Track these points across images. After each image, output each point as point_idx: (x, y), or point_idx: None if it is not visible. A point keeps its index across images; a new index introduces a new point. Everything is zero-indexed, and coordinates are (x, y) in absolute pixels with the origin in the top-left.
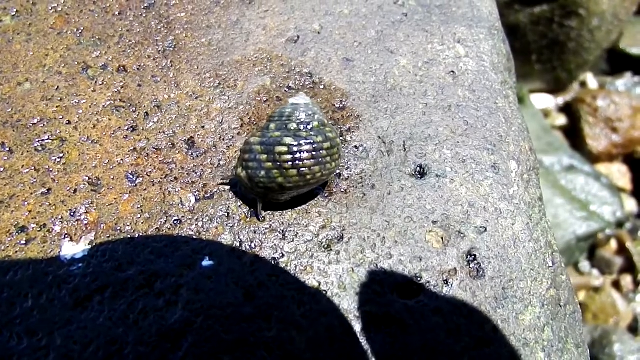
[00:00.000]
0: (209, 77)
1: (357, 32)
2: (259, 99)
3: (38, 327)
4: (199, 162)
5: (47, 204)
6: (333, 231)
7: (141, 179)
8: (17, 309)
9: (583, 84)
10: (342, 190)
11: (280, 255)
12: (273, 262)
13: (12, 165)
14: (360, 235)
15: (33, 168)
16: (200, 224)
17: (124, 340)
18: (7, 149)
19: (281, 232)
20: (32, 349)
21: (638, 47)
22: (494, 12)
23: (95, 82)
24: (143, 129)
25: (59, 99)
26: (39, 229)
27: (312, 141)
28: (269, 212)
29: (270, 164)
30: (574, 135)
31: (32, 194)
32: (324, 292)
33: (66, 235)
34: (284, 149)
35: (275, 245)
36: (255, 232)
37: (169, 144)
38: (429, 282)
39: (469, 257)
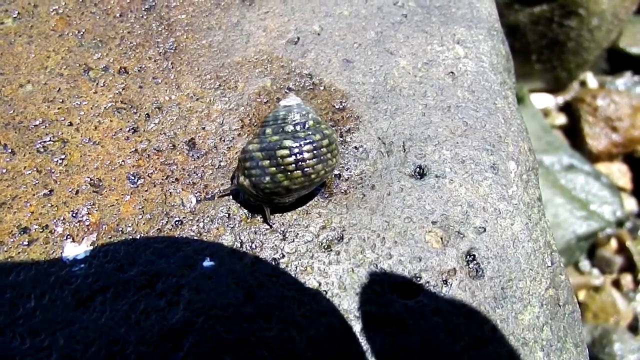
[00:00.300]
0: (209, 78)
1: (356, 33)
2: (259, 100)
3: (40, 327)
4: (199, 163)
5: (49, 205)
6: (333, 232)
7: (142, 180)
8: (19, 310)
9: (583, 84)
10: (342, 190)
11: (281, 255)
12: (273, 263)
13: (14, 166)
14: (360, 236)
15: (35, 169)
16: (201, 224)
17: (125, 340)
18: (9, 151)
19: (281, 232)
20: (34, 349)
21: (638, 46)
22: (493, 13)
23: (97, 83)
24: (144, 131)
25: (61, 100)
26: (41, 230)
27: (311, 140)
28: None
29: (274, 168)
30: (574, 134)
31: (34, 195)
32: (324, 292)
33: (68, 236)
34: (286, 152)
35: (275, 245)
36: (255, 233)
37: (170, 145)
38: (428, 282)
39: (468, 257)
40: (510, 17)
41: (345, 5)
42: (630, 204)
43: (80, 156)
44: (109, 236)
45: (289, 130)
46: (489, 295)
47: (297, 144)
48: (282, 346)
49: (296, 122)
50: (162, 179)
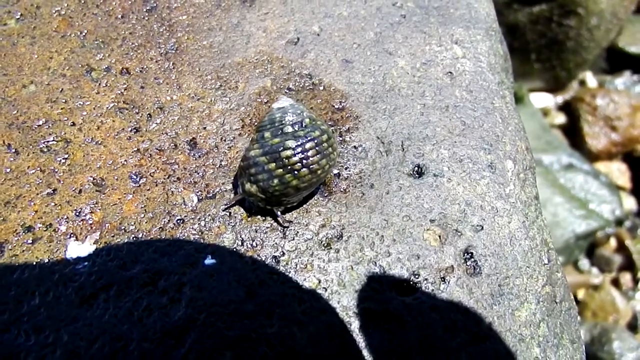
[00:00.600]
0: (210, 78)
1: (356, 33)
2: (259, 100)
3: (45, 324)
4: (201, 163)
5: (53, 204)
6: (333, 230)
7: (144, 179)
8: (24, 307)
9: (582, 83)
10: (342, 189)
11: (281, 253)
12: (274, 261)
13: (18, 166)
14: (359, 234)
15: (39, 169)
16: (202, 223)
17: (128, 337)
18: (13, 150)
19: (282, 231)
20: (39, 346)
21: (637, 45)
22: (491, 14)
23: (99, 84)
24: (146, 130)
25: (64, 101)
26: (45, 229)
27: (311, 137)
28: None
29: (280, 170)
30: (573, 133)
31: (38, 194)
32: (324, 290)
33: (71, 235)
34: (290, 152)
35: (276, 243)
36: (256, 231)
37: (171, 144)
38: (426, 279)
39: (465, 254)
40: (510, 16)
41: (344, 6)
42: (629, 202)
43: (83, 156)
44: (112, 235)
45: (289, 131)
46: (486, 292)
47: (299, 143)
48: (283, 343)
49: (293, 122)
50: (164, 178)
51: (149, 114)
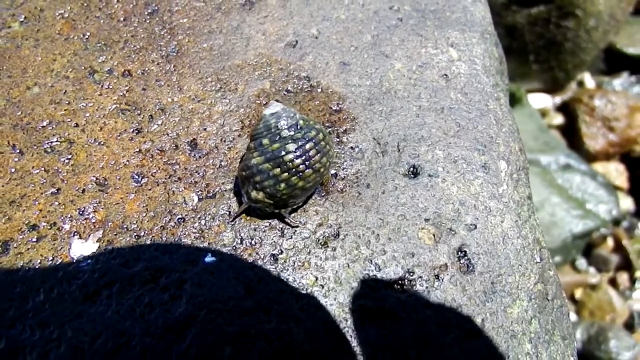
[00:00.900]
0: (210, 81)
1: (353, 36)
2: (258, 102)
3: (49, 320)
4: (201, 163)
5: (57, 203)
6: (329, 229)
7: (146, 179)
8: (29, 303)
9: (580, 84)
10: (339, 189)
11: (279, 251)
12: (272, 259)
13: (23, 166)
14: (356, 233)
15: (43, 169)
16: (203, 222)
17: (131, 332)
18: (18, 151)
19: (280, 229)
20: (44, 341)
21: (635, 46)
22: (487, 17)
23: (102, 86)
24: (148, 131)
25: (67, 102)
26: (49, 227)
27: (309, 138)
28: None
29: (286, 174)
30: (571, 134)
31: (42, 193)
32: (321, 287)
33: (75, 233)
34: (292, 155)
35: (274, 242)
36: (255, 230)
37: (172, 145)
38: (421, 277)
39: (459, 253)
40: (508, 18)
41: (342, 9)
42: (626, 203)
43: (86, 156)
44: (115, 233)
45: (286, 135)
46: (479, 290)
47: (299, 145)
48: (281, 338)
49: (288, 125)
50: (165, 178)
51: (150, 115)
